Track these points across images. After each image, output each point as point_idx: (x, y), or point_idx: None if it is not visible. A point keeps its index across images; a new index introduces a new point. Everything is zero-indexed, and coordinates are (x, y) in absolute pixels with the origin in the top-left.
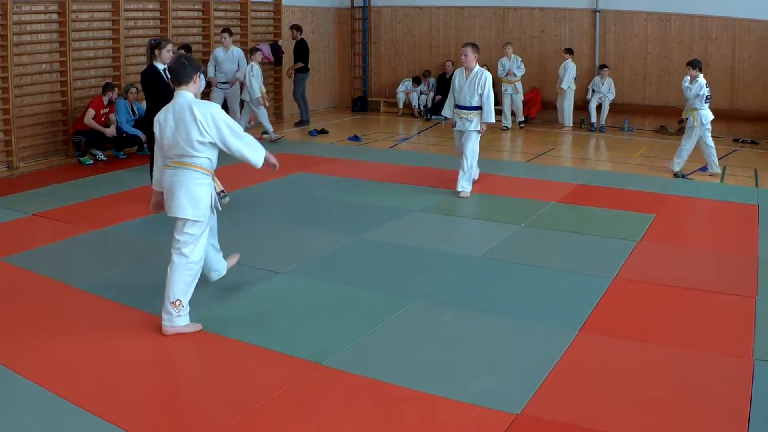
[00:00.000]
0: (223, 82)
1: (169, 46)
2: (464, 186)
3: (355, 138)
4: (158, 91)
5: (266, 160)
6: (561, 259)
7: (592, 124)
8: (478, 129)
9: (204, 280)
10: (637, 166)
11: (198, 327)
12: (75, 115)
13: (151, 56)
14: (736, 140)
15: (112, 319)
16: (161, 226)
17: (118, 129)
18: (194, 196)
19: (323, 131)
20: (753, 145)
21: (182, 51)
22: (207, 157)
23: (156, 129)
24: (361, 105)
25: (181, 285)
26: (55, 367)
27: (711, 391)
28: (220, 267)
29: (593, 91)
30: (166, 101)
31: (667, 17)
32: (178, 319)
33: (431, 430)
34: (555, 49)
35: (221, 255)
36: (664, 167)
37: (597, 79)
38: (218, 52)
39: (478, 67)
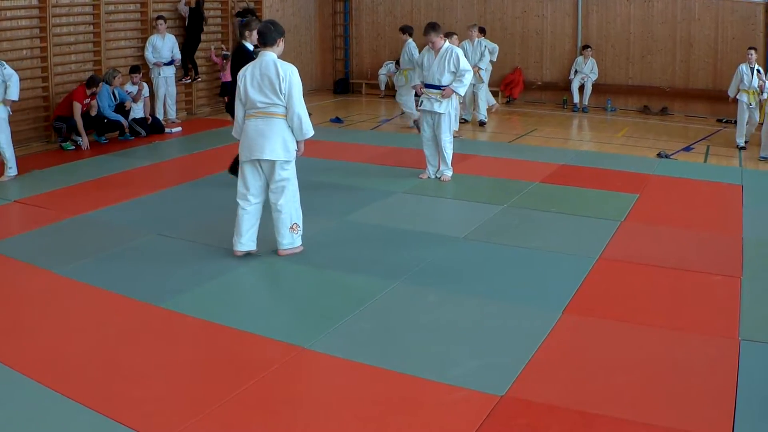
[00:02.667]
0: (166, 64)
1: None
2: (445, 171)
3: (337, 120)
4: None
5: (304, 140)
6: (544, 239)
7: (575, 104)
8: (447, 111)
9: (188, 262)
10: (621, 146)
11: (302, 248)
12: (56, 101)
13: (240, 36)
14: (719, 120)
15: (95, 306)
16: (143, 210)
17: (99, 114)
18: (285, 140)
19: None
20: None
21: (249, 13)
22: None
23: (240, 83)
24: (342, 87)
25: (294, 211)
26: (37, 355)
27: (697, 372)
28: (253, 241)
29: (576, 71)
30: None
31: None
32: (297, 240)
33: (415, 413)
34: (537, 30)
35: (256, 233)
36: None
37: (579, 59)
38: (155, 39)
39: (446, 44)
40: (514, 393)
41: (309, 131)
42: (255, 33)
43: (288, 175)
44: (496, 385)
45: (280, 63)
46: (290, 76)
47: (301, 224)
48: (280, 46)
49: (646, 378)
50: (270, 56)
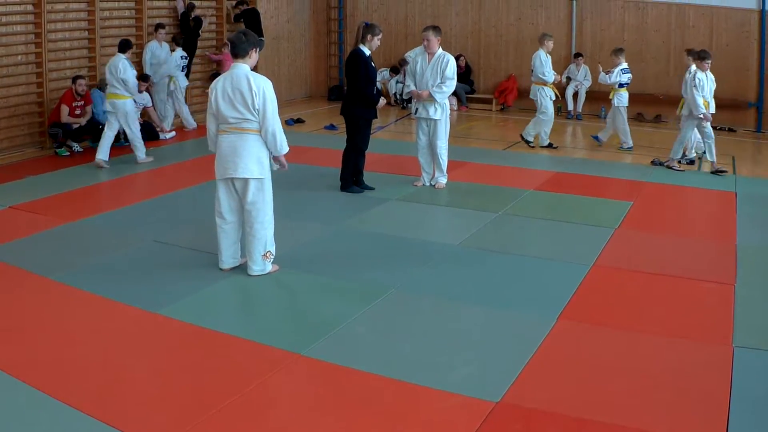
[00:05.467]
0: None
1: (381, 36)
2: (440, 179)
3: (331, 127)
4: (360, 76)
5: (281, 156)
6: (539, 246)
7: (569, 111)
8: (443, 117)
9: (184, 269)
10: (615, 153)
11: (277, 267)
12: (51, 107)
13: (360, 39)
14: (713, 128)
15: (91, 312)
16: (139, 217)
17: (94, 120)
18: (258, 157)
19: (299, 120)
20: (730, 133)
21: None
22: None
23: (211, 96)
24: (337, 94)
25: (268, 237)
26: (33, 361)
27: (691, 379)
28: (236, 258)
29: (569, 78)
30: (364, 86)
31: (644, 5)
32: (268, 266)
33: (411, 419)
34: (531, 37)
35: (238, 251)
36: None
37: (572, 66)
38: (154, 45)
39: (440, 50)
40: (509, 399)
41: (284, 148)
42: (376, 40)
43: (263, 196)
44: (492, 391)
45: (254, 76)
46: (264, 91)
47: (274, 250)
48: (253, 57)
49: (640, 384)
50: (242, 69)
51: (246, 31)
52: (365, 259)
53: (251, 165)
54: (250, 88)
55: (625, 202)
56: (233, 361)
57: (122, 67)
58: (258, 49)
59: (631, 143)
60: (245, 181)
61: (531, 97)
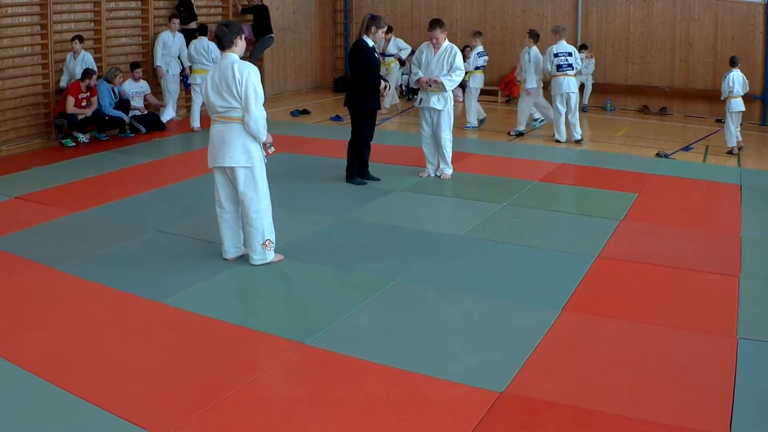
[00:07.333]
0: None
1: (385, 28)
2: (445, 170)
3: (337, 118)
4: (362, 67)
5: (265, 142)
6: (543, 238)
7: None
8: (446, 108)
9: (188, 259)
10: (620, 145)
11: (281, 257)
12: (56, 99)
13: (365, 30)
14: (718, 120)
15: (96, 302)
16: (143, 207)
17: (99, 111)
18: (245, 146)
19: (305, 111)
20: None
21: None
22: None
23: (201, 87)
24: (342, 85)
25: (266, 226)
26: (38, 351)
27: (695, 370)
28: (239, 247)
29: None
30: (369, 76)
31: None
32: (269, 254)
33: (416, 409)
34: (537, 29)
35: (240, 239)
36: None
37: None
38: (166, 36)
39: (447, 42)
40: (513, 389)
41: (262, 136)
42: (380, 32)
43: (254, 184)
44: (496, 381)
45: (238, 64)
46: (247, 78)
47: (274, 238)
48: (239, 45)
49: (644, 375)
50: (229, 58)
51: (228, 22)
52: (369, 249)
53: (238, 154)
54: (233, 76)
55: (630, 194)
56: (237, 351)
57: (212, 47)
58: (242, 37)
59: (476, 123)
60: (234, 170)
61: (573, 91)
